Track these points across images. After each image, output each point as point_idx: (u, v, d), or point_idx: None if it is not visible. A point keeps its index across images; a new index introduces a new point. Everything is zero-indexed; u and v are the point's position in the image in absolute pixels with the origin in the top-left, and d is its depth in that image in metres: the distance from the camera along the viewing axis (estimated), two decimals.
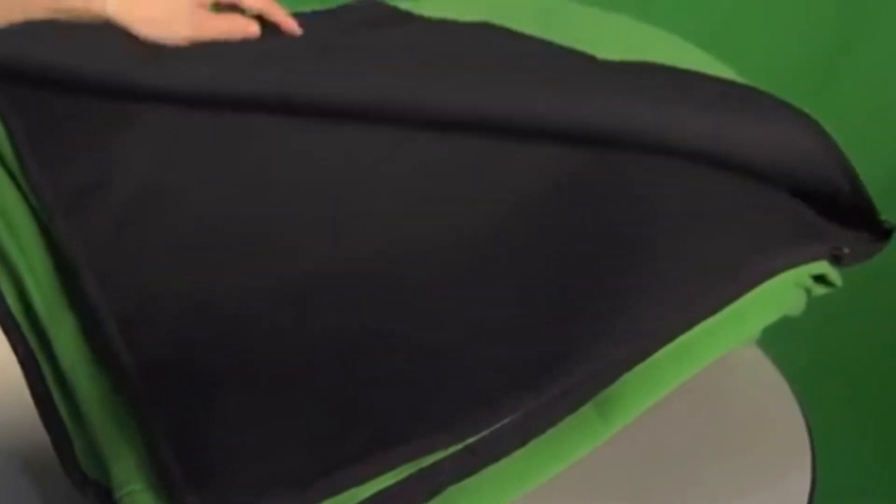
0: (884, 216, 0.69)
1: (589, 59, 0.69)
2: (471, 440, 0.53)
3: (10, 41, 0.65)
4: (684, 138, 0.64)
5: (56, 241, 0.59)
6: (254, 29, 0.71)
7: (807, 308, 0.71)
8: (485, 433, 0.53)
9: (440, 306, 0.57)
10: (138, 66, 0.65)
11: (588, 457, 0.58)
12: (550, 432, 0.56)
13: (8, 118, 0.64)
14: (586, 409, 0.57)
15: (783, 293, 0.64)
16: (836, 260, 0.67)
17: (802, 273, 0.65)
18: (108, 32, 0.67)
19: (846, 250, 0.67)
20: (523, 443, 0.55)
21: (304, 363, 0.54)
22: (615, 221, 0.62)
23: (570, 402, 0.56)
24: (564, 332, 0.56)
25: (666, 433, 0.66)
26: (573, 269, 0.59)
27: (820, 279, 0.68)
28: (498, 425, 0.53)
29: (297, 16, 0.74)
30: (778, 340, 0.76)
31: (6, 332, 0.59)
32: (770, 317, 0.64)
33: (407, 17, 0.74)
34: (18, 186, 0.62)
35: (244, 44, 0.70)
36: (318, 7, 0.76)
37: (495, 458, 0.54)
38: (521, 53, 0.70)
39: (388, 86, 0.65)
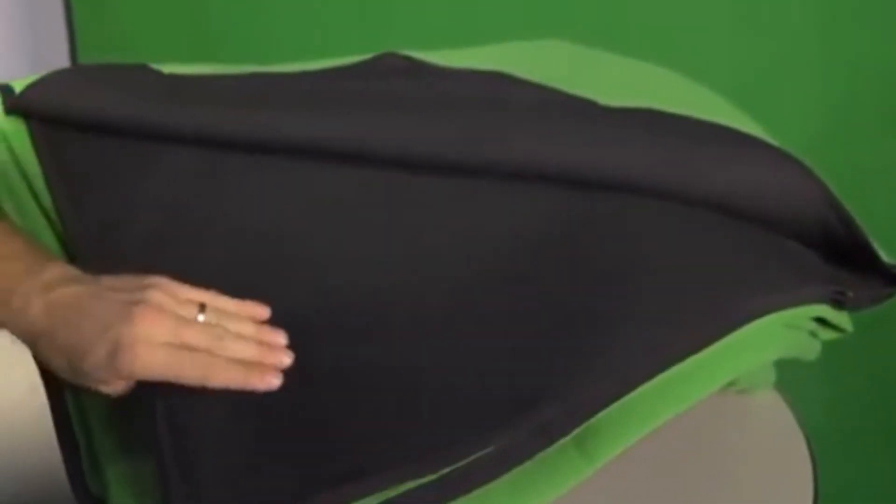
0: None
1: (591, 106, 0.70)
2: (445, 471, 0.55)
3: (48, 89, 0.71)
4: (674, 182, 0.66)
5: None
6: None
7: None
8: (458, 465, 0.55)
9: (419, 343, 0.59)
10: (160, 110, 0.70)
11: (592, 490, 0.59)
12: (529, 466, 0.57)
13: (42, 156, 0.69)
14: (566, 445, 0.58)
15: (774, 335, 0.64)
16: (840, 304, 0.67)
17: (798, 315, 0.65)
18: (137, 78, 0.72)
19: (849, 294, 0.66)
20: (496, 476, 0.56)
21: (288, 395, 0.57)
22: (595, 261, 0.63)
23: (545, 438, 0.57)
24: (539, 369, 0.58)
25: (671, 472, 0.66)
26: (551, 307, 0.61)
27: (825, 322, 0.68)
28: (471, 458, 0.55)
29: (316, 73, 0.77)
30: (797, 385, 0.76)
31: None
32: (758, 358, 0.64)
33: (422, 68, 0.77)
34: (49, 219, 0.67)
35: (264, 87, 0.74)
36: (338, 62, 0.79)
37: (467, 489, 0.55)
38: (526, 101, 0.72)
39: (389, 129, 0.69)
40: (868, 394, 1.19)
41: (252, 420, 0.56)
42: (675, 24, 1.17)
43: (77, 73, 0.74)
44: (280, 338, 0.59)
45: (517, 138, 0.67)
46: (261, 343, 0.58)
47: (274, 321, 0.60)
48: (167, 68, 0.76)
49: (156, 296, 0.56)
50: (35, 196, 0.69)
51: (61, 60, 1.42)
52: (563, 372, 0.57)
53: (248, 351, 0.57)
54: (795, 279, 0.65)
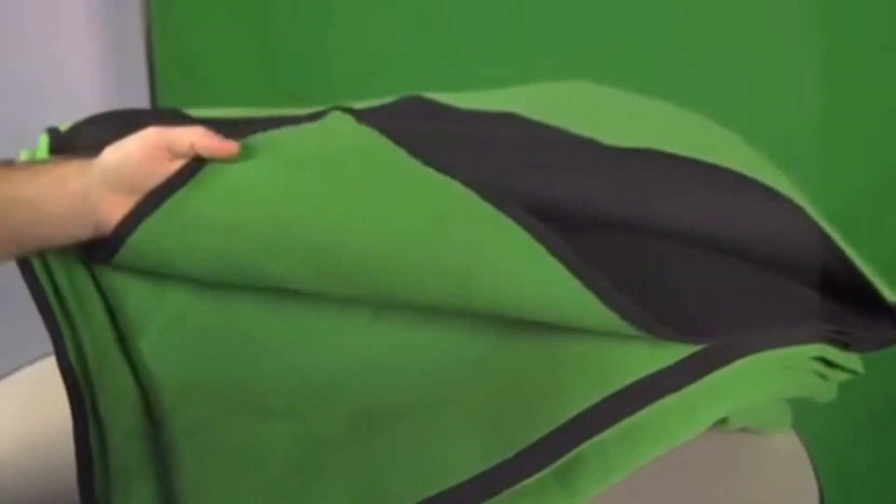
0: None
1: (592, 145, 0.72)
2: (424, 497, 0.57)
3: (85, 132, 0.76)
4: (665, 220, 0.66)
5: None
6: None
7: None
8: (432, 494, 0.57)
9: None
10: None
11: None
12: (509, 500, 0.58)
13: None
14: (547, 480, 0.59)
15: (766, 375, 0.63)
16: (846, 345, 0.66)
17: (795, 356, 0.64)
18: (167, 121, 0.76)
19: (854, 334, 0.65)
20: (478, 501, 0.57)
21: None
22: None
23: (524, 469, 0.58)
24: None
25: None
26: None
27: (833, 364, 0.67)
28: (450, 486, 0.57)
29: None
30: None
31: (63, 376, 0.67)
32: (748, 398, 0.64)
33: (439, 110, 0.80)
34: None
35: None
36: (361, 104, 0.82)
37: None
38: (529, 140, 0.74)
39: None
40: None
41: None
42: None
43: (115, 116, 0.78)
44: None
45: (510, 175, 0.69)
46: None
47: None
48: (196, 112, 0.80)
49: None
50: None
51: (142, 100, 1.49)
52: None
53: None
54: (787, 319, 0.64)
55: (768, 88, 1.15)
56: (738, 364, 0.62)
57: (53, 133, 0.77)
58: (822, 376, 0.68)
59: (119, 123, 0.77)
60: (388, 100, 0.82)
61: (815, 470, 0.72)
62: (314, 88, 1.37)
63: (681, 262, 0.66)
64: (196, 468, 0.59)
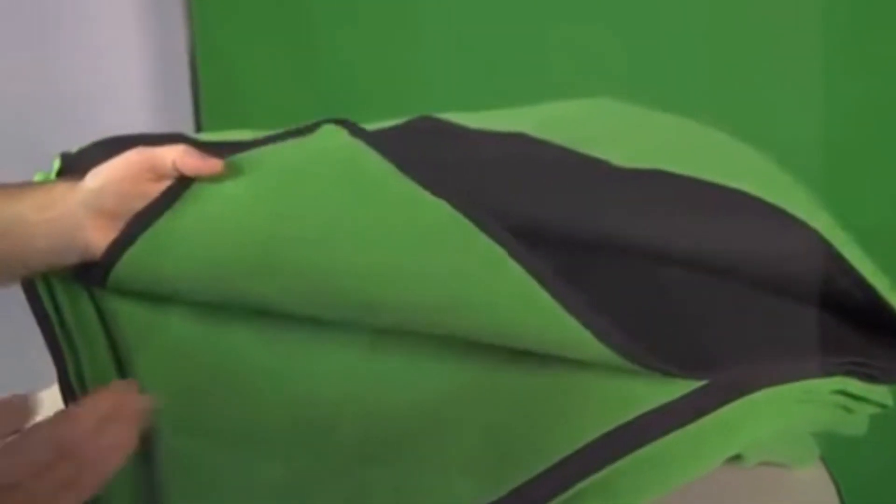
0: None
1: (602, 165, 0.69)
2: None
3: (90, 155, 0.75)
4: (672, 245, 0.63)
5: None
6: None
7: None
8: None
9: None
10: None
11: None
12: None
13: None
14: None
15: (779, 409, 0.60)
16: (871, 377, 0.62)
17: (812, 389, 0.61)
18: None
19: (879, 365, 0.62)
20: None
21: None
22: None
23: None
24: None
25: None
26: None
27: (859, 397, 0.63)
28: None
29: None
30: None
31: (64, 397, 0.66)
32: (760, 433, 0.60)
33: (452, 131, 0.78)
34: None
35: None
36: (375, 126, 0.81)
37: None
38: (538, 162, 0.71)
39: None
40: None
41: None
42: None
43: (117, 141, 0.77)
44: None
45: (512, 196, 0.66)
46: None
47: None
48: (205, 137, 0.80)
49: None
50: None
51: (186, 123, 1.50)
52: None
53: None
54: (800, 351, 0.61)
55: (796, 102, 1.12)
56: (749, 399, 0.58)
57: (65, 157, 0.77)
58: (848, 410, 0.64)
59: (124, 147, 0.77)
60: (400, 120, 0.81)
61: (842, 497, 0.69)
62: (359, 108, 1.37)
63: (688, 290, 0.63)
64: (182, 501, 0.58)
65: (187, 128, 1.50)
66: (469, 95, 1.11)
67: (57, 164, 0.77)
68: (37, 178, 0.78)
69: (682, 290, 0.63)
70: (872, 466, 1.02)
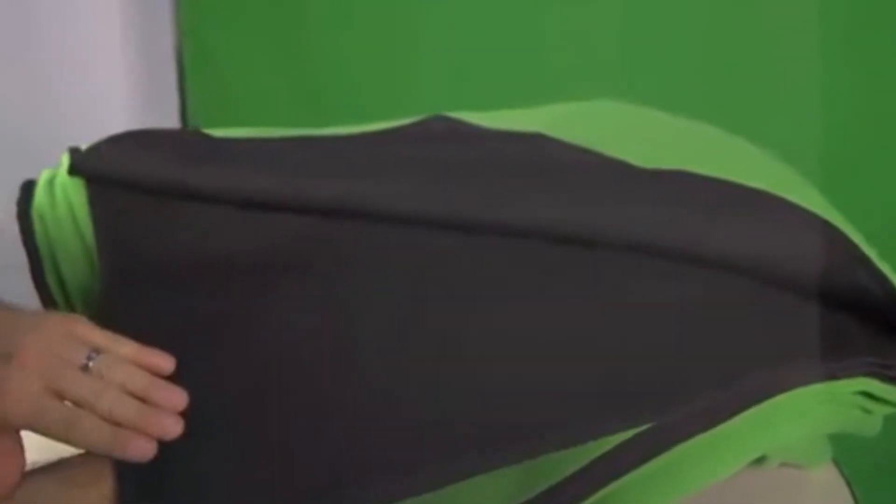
0: None
1: (623, 167, 0.69)
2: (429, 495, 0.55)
3: (103, 152, 0.75)
4: (698, 246, 0.63)
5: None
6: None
7: None
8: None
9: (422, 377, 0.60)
10: (201, 172, 0.72)
11: None
12: None
13: (94, 213, 0.72)
14: None
15: (804, 411, 0.60)
16: (891, 378, 0.63)
17: (835, 390, 0.61)
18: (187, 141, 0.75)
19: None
20: None
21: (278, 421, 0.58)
22: (617, 325, 0.61)
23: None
24: (541, 411, 0.57)
25: None
26: (564, 363, 0.60)
27: (877, 397, 0.64)
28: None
29: (357, 137, 0.79)
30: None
31: None
32: (783, 436, 0.61)
33: (466, 130, 0.78)
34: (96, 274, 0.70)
35: (303, 151, 0.76)
36: (385, 125, 0.80)
37: None
38: (556, 163, 0.71)
39: (423, 192, 0.69)
40: None
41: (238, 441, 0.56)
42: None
43: (134, 136, 0.77)
44: (176, 396, 0.52)
45: (541, 199, 0.66)
46: (149, 400, 0.51)
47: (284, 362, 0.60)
48: (218, 132, 0.79)
49: (44, 335, 0.51)
50: (89, 256, 0.72)
51: (171, 118, 1.48)
52: (562, 418, 0.57)
53: (126, 411, 0.50)
54: (825, 352, 0.61)
55: (794, 103, 1.13)
56: (772, 402, 0.59)
57: (75, 153, 0.76)
58: (867, 411, 0.65)
59: (139, 144, 0.76)
60: (413, 119, 0.81)
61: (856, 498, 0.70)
62: (346, 104, 1.36)
63: (714, 293, 0.63)
64: None
65: (172, 122, 1.48)
66: (464, 96, 1.12)
67: (66, 160, 0.76)
68: (43, 176, 0.77)
69: (710, 293, 0.63)
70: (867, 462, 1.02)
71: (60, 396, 0.51)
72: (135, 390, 0.52)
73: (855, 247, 0.64)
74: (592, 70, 1.17)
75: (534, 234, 0.64)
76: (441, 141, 0.76)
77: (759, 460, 0.63)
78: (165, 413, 0.51)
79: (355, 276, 0.65)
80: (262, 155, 0.74)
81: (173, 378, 0.56)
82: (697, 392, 0.58)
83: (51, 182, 0.76)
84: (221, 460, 0.55)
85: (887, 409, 0.66)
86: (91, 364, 0.52)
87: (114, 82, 1.45)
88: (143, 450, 0.50)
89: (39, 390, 0.50)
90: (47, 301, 0.71)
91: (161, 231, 0.70)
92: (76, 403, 0.50)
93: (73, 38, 1.40)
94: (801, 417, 0.60)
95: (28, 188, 0.77)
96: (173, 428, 0.51)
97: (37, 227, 0.73)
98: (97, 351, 0.52)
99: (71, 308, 0.71)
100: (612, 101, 0.86)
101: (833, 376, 0.61)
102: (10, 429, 0.51)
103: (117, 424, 0.51)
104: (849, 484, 0.71)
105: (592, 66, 1.18)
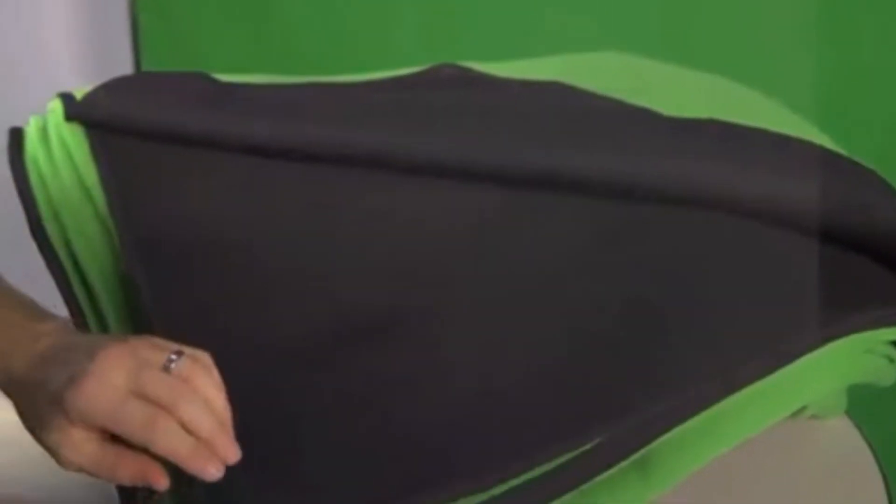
0: None
1: (654, 116, 0.68)
2: (498, 490, 0.53)
3: (106, 96, 0.71)
4: (738, 198, 0.63)
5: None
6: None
7: None
8: (514, 483, 0.53)
9: (479, 355, 0.58)
10: (215, 119, 0.69)
11: None
12: (588, 490, 0.55)
13: (100, 162, 0.68)
14: (627, 470, 0.56)
15: (851, 359, 0.61)
16: None
17: (875, 339, 0.62)
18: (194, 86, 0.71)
19: None
20: (552, 497, 0.54)
21: (344, 406, 0.55)
22: (662, 279, 0.61)
23: (604, 459, 0.55)
24: (600, 387, 0.56)
25: (740, 498, 0.64)
26: (621, 324, 0.59)
27: None
28: (527, 476, 0.53)
29: (373, 83, 0.76)
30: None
31: None
32: (834, 383, 0.61)
33: (478, 78, 0.76)
34: (104, 225, 0.67)
35: (320, 98, 0.73)
36: (395, 72, 0.78)
37: None
38: (585, 111, 0.70)
39: (449, 144, 0.67)
40: None
41: (307, 433, 0.54)
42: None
43: (135, 81, 0.74)
44: (232, 451, 0.50)
45: (577, 148, 0.65)
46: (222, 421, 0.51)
47: (322, 330, 0.58)
48: (224, 77, 0.76)
49: (127, 341, 0.52)
50: (92, 202, 0.68)
51: (125, 69, 1.44)
52: (631, 390, 0.56)
53: (204, 423, 0.50)
54: (872, 300, 0.62)
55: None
56: (829, 348, 0.59)
57: (68, 100, 0.73)
58: (891, 360, 0.65)
59: (139, 91, 0.73)
60: (420, 68, 0.78)
61: (874, 451, 0.70)
62: (303, 50, 1.32)
63: (762, 244, 0.63)
64: None
65: (126, 70, 1.43)
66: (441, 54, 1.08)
67: (58, 106, 0.72)
68: (32, 122, 0.73)
69: (757, 244, 0.62)
70: None
71: (142, 397, 0.50)
72: (213, 399, 0.51)
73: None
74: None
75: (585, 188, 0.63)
76: (462, 88, 0.74)
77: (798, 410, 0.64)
78: (231, 444, 0.50)
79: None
80: (286, 103, 0.71)
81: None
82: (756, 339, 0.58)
83: (43, 129, 0.72)
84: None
85: None
86: (173, 366, 0.51)
87: (63, 42, 1.40)
88: (217, 472, 0.49)
89: (120, 387, 0.50)
90: (45, 249, 0.67)
91: (188, 186, 0.67)
92: (157, 402, 0.50)
93: None
94: (846, 365, 0.61)
95: (16, 135, 0.73)
96: (234, 456, 0.50)
97: (31, 173, 0.70)
98: (179, 354, 0.52)
99: (73, 257, 0.67)
100: (615, 52, 0.85)
101: (883, 323, 0.61)
102: (92, 426, 0.50)
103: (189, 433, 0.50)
104: (862, 431, 0.72)
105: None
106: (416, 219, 0.66)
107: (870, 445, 0.71)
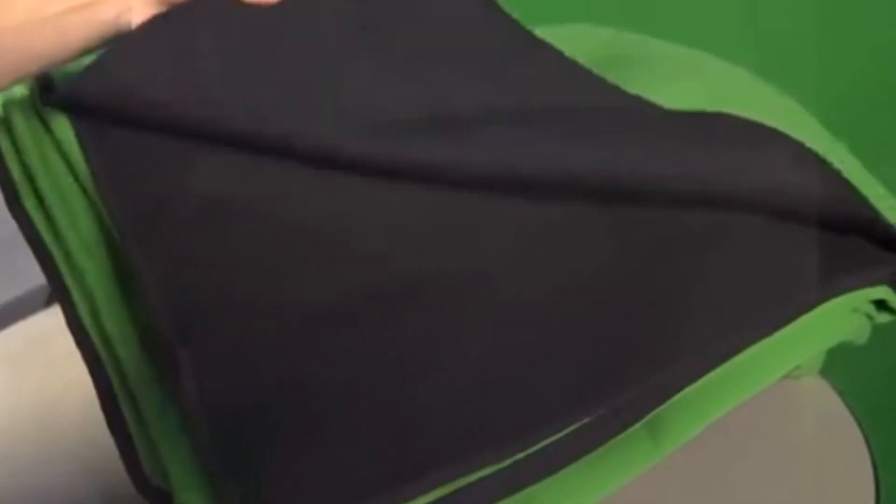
0: None
1: (651, 108, 0.67)
2: (518, 456, 0.53)
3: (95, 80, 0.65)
4: (736, 185, 0.62)
5: (126, 259, 0.61)
6: None
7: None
8: (532, 450, 0.54)
9: (492, 323, 0.57)
10: (209, 107, 0.64)
11: (641, 482, 0.58)
12: (600, 452, 0.56)
13: (89, 150, 0.64)
14: (638, 430, 0.57)
15: (840, 318, 0.63)
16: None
17: (860, 298, 0.64)
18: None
19: None
20: (569, 461, 0.55)
21: (359, 380, 0.54)
22: (668, 245, 0.61)
23: (620, 421, 0.56)
24: (614, 350, 0.56)
25: (722, 463, 0.66)
26: (624, 290, 0.59)
27: (882, 305, 0.67)
28: (546, 442, 0.54)
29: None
30: (843, 370, 0.75)
31: (79, 345, 0.61)
32: (827, 341, 0.63)
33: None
34: (89, 200, 0.64)
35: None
36: None
37: (540, 476, 0.54)
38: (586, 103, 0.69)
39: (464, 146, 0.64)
40: None
41: (322, 411, 0.53)
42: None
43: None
44: None
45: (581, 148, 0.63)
46: None
47: (337, 301, 0.58)
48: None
49: None
50: (74, 175, 0.65)
51: None
52: (638, 352, 0.56)
53: None
54: (861, 260, 0.64)
55: None
56: (823, 308, 0.61)
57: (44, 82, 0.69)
58: (870, 317, 0.68)
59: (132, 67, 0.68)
60: None
61: (851, 409, 0.73)
62: None
63: (757, 234, 0.63)
64: None
65: None
66: None
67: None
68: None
69: (752, 234, 0.63)
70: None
71: None
72: None
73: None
74: None
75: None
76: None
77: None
78: None
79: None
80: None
81: None
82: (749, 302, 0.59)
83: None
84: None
85: (883, 318, 0.69)
86: None
87: None
88: None
89: None
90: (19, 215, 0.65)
91: (185, 160, 0.64)
92: None
93: None
94: (838, 323, 0.63)
95: None
96: None
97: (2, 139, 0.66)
98: None
99: (54, 228, 0.64)
100: (586, 25, 0.84)
101: (867, 283, 0.63)
102: None
103: None
104: (839, 391, 0.75)
105: None
106: (423, 193, 0.64)
107: (846, 403, 0.74)
